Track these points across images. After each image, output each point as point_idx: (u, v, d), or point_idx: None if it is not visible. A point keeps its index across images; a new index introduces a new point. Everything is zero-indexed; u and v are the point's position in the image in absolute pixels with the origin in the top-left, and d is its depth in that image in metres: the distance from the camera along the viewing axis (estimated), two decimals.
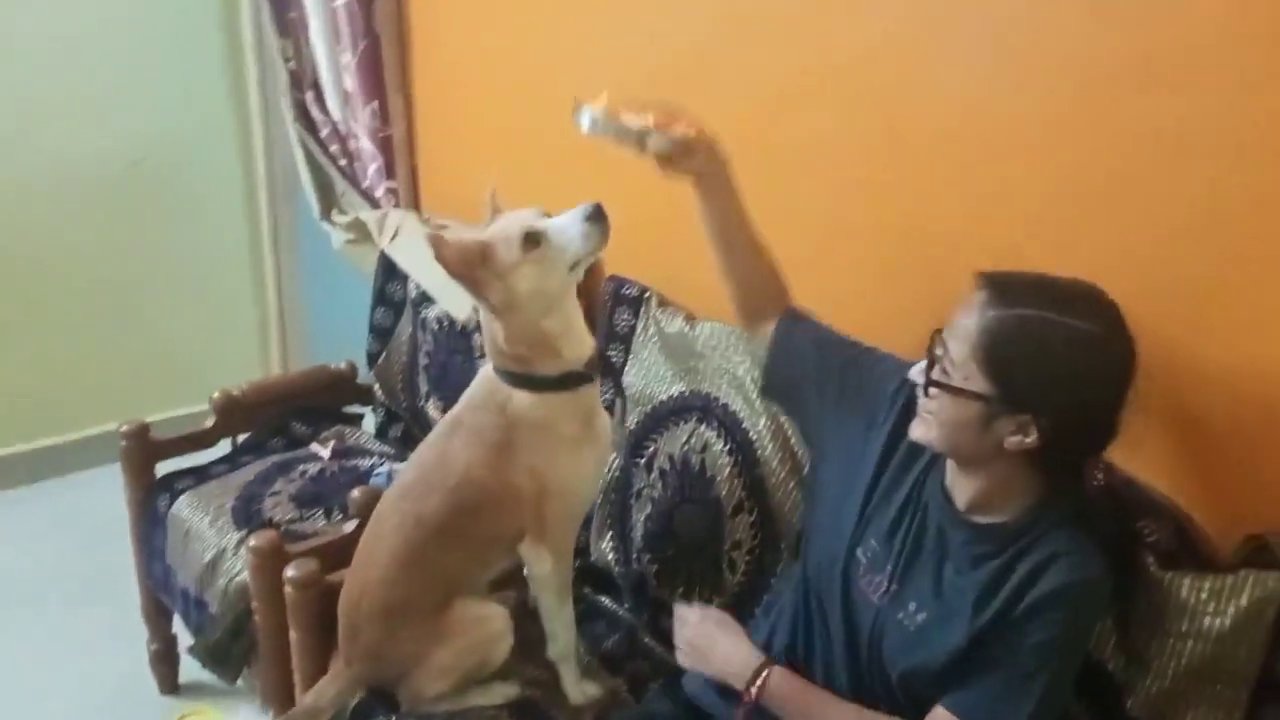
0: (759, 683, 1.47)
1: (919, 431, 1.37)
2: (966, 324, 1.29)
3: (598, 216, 1.61)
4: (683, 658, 1.62)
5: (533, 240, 1.61)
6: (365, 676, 1.82)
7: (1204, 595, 1.36)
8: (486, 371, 1.76)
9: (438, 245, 1.60)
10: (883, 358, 1.57)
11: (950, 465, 1.40)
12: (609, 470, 2.08)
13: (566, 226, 1.63)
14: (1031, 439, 1.27)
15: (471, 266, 1.61)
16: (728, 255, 1.61)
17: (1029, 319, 1.26)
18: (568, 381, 1.70)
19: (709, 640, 1.58)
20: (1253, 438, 1.42)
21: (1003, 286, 1.30)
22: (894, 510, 1.45)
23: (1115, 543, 1.36)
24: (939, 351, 1.32)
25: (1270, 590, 1.32)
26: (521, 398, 1.69)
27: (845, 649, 1.46)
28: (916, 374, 1.36)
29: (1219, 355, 1.43)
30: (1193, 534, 1.43)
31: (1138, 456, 1.49)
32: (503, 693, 1.80)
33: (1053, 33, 1.54)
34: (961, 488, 1.38)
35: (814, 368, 1.58)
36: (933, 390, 1.32)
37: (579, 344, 1.72)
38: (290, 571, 1.88)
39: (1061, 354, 1.25)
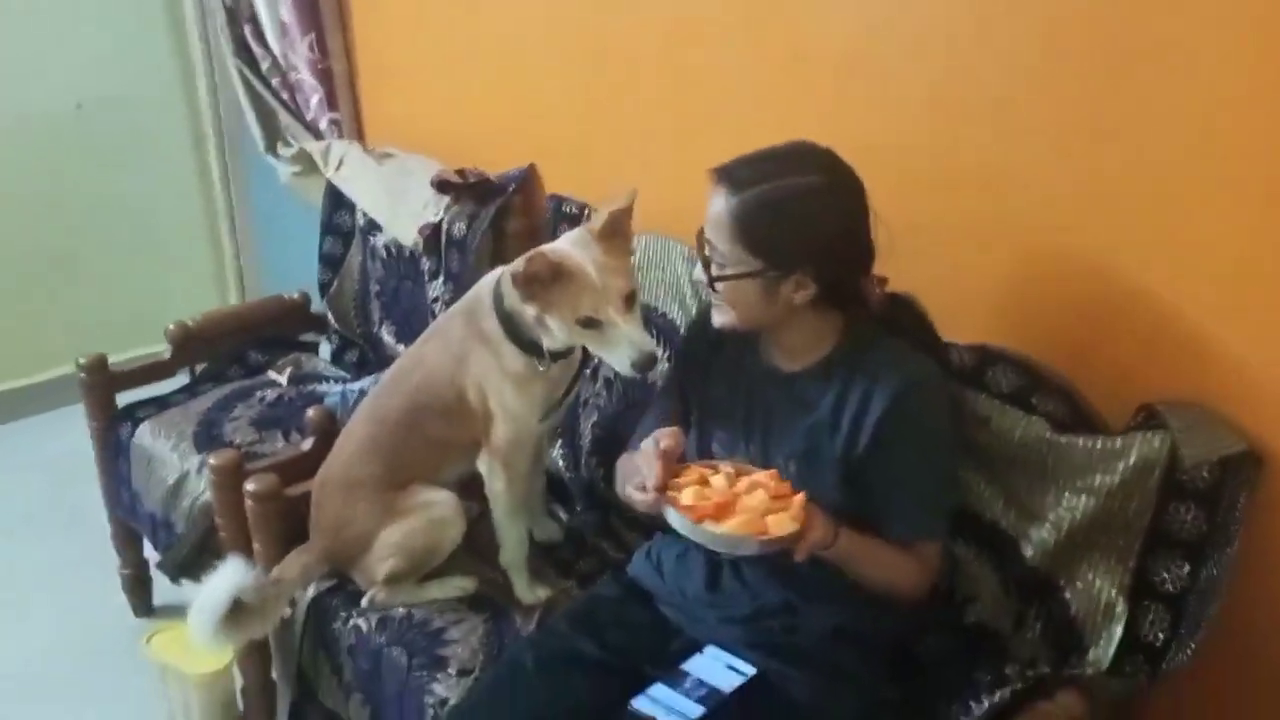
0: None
1: (719, 319, 1.51)
2: (717, 216, 1.45)
3: (646, 366, 1.59)
4: None
5: (592, 325, 1.60)
6: (328, 551, 1.92)
7: (1095, 456, 1.46)
8: (486, 282, 1.82)
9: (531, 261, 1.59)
10: None
11: (761, 336, 1.55)
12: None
13: (623, 348, 1.59)
14: (810, 289, 1.44)
15: (542, 280, 1.60)
16: None
17: (763, 193, 1.42)
18: (545, 354, 1.75)
19: None
20: (1139, 316, 1.52)
21: (732, 174, 1.45)
22: (723, 396, 1.59)
23: (921, 338, 1.59)
24: (708, 250, 1.46)
25: (1156, 449, 1.43)
26: (495, 325, 1.76)
27: None
28: (699, 275, 1.50)
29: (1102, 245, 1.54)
30: (1083, 406, 1.54)
31: (1032, 338, 1.61)
32: (459, 585, 1.90)
33: None
34: (776, 350, 1.56)
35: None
36: (709, 281, 1.47)
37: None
38: (250, 485, 1.95)
39: (801, 211, 1.42)
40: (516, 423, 1.81)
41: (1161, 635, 1.45)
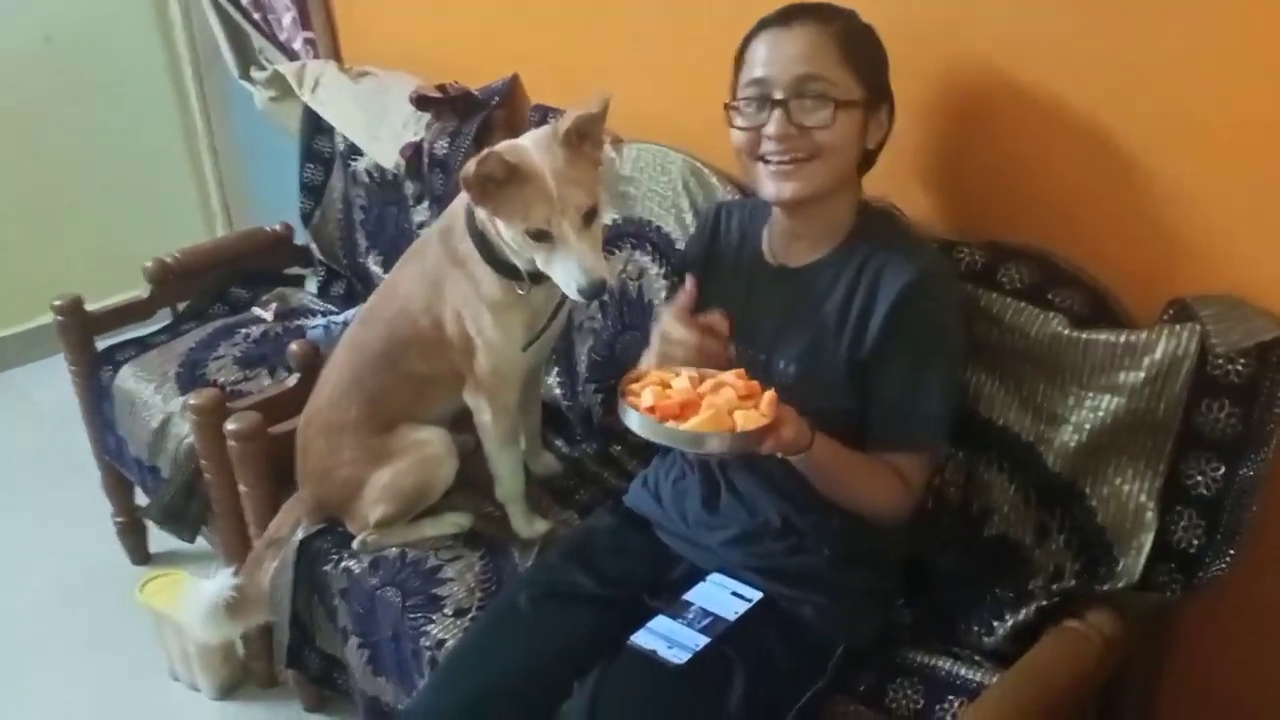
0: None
1: (794, 188, 1.38)
2: (815, 45, 1.35)
3: (595, 293, 1.47)
4: None
5: (543, 239, 1.47)
6: (318, 499, 1.85)
7: (1119, 351, 1.35)
8: (460, 200, 1.68)
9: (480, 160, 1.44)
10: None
11: (777, 228, 1.49)
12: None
13: (571, 267, 1.46)
14: (884, 130, 1.43)
15: (496, 180, 1.46)
16: None
17: (855, 21, 1.39)
18: (524, 276, 1.61)
19: None
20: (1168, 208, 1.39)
21: (813, 10, 1.38)
22: (725, 299, 1.47)
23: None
24: (815, 87, 1.34)
25: (1185, 341, 1.31)
26: (470, 247, 1.64)
27: None
28: (817, 119, 1.35)
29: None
30: (1107, 300, 1.43)
31: (1058, 233, 1.49)
32: (454, 522, 1.82)
33: None
34: (788, 245, 1.48)
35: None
36: (834, 114, 1.34)
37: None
38: (231, 425, 1.88)
39: (876, 40, 1.41)
40: (497, 353, 1.69)
41: (1196, 542, 1.35)
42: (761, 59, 1.38)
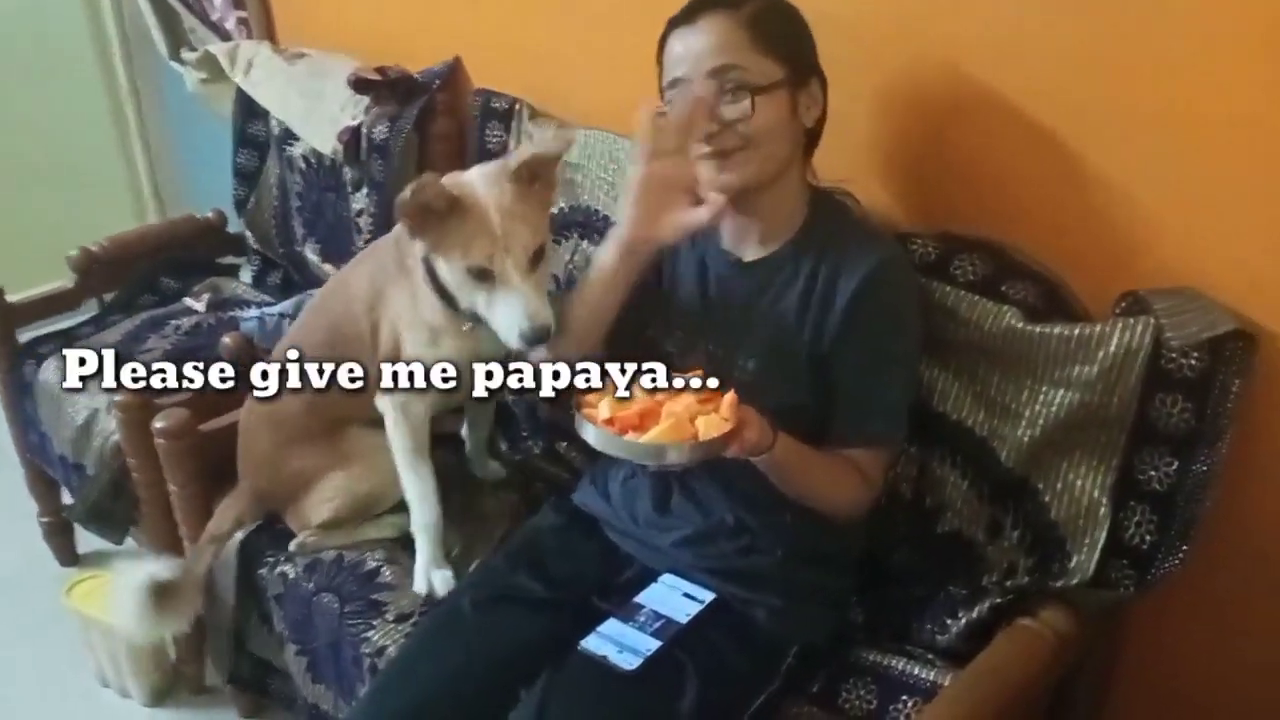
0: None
1: (727, 179, 1.33)
2: (726, 35, 1.30)
3: (537, 339, 1.36)
4: None
5: (484, 278, 1.38)
6: (260, 494, 1.78)
7: (1073, 345, 1.33)
8: None
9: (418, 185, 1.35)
10: None
11: (729, 221, 1.41)
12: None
13: (514, 312, 1.36)
14: (818, 106, 1.38)
15: (435, 212, 1.37)
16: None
17: (755, 5, 1.32)
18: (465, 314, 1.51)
19: None
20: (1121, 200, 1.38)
21: (707, 3, 1.33)
22: (681, 294, 1.45)
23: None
24: (728, 76, 1.30)
25: (1139, 335, 1.29)
26: (419, 262, 1.53)
27: None
28: (732, 113, 1.30)
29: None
30: (1061, 293, 1.41)
31: (1012, 227, 1.47)
32: (394, 524, 1.75)
33: None
34: (743, 237, 1.43)
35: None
36: (752, 102, 1.30)
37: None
38: (159, 423, 1.80)
39: (797, 15, 1.36)
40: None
41: (1149, 538, 1.34)
42: (676, 57, 1.34)
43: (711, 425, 1.18)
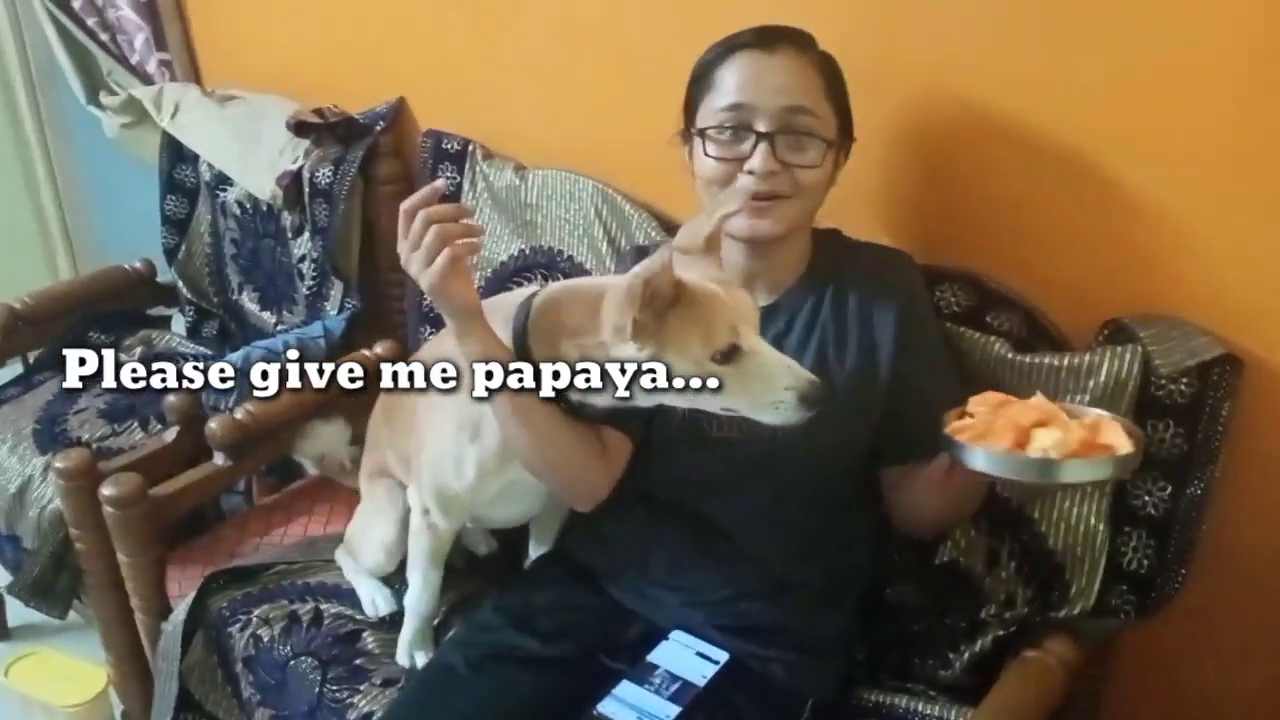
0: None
1: (768, 226, 1.29)
2: (800, 75, 1.27)
3: (816, 400, 1.14)
4: None
5: (732, 358, 1.15)
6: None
7: (1063, 375, 1.34)
8: (517, 295, 1.33)
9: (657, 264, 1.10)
10: None
11: (731, 266, 1.30)
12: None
13: (780, 378, 1.14)
14: (840, 167, 1.35)
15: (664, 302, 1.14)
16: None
17: (824, 52, 1.31)
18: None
19: None
20: (1099, 228, 1.39)
21: (790, 34, 1.28)
22: None
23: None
24: (802, 120, 1.26)
25: (1128, 364, 1.31)
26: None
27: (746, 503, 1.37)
28: (804, 159, 1.27)
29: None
30: (1043, 323, 1.42)
31: (990, 257, 1.47)
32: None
33: None
34: (761, 284, 1.37)
35: None
36: (822, 155, 1.28)
37: None
38: (107, 490, 1.69)
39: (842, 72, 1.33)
40: (437, 472, 1.43)
41: (1147, 563, 1.35)
42: (739, 84, 1.27)
43: (1113, 434, 1.07)
